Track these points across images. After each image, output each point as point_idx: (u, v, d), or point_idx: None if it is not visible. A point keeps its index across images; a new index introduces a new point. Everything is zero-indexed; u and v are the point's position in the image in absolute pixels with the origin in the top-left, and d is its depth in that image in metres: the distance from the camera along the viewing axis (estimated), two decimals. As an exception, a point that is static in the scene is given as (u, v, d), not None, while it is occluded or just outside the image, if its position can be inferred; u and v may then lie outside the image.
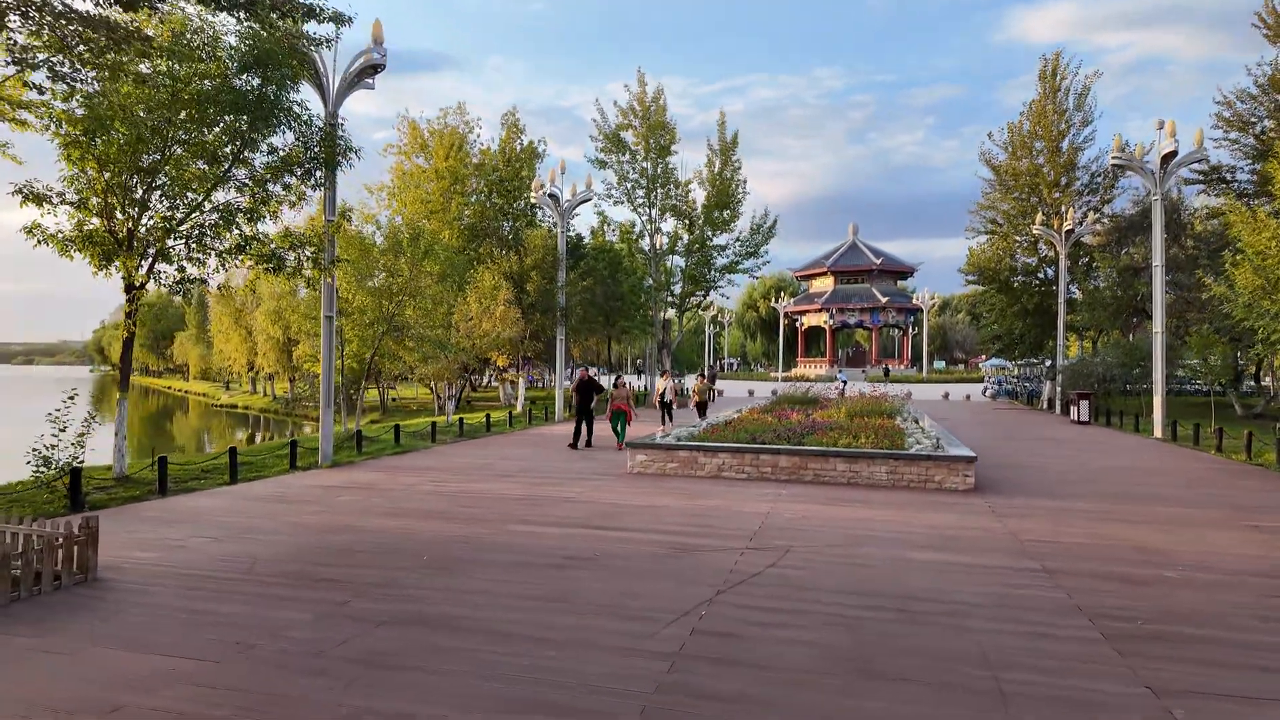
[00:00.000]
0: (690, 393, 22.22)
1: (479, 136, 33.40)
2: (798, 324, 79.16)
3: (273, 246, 13.09)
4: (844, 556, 7.70)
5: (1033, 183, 35.37)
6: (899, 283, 79.06)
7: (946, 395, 43.10)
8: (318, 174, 13.78)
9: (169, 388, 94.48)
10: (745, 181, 33.56)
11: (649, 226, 33.88)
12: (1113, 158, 21.39)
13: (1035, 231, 32.16)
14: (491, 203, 29.70)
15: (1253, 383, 37.04)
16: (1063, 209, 32.41)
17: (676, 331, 35.48)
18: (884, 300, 72.77)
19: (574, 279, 26.22)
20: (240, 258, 12.56)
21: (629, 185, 33.40)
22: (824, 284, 78.60)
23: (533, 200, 24.97)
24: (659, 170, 33.22)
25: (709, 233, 33.65)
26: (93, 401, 50.52)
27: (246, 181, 12.73)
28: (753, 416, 18.68)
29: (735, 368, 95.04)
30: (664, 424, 19.06)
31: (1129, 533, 8.95)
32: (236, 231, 12.29)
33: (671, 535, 8.58)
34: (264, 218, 12.82)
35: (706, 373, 40.76)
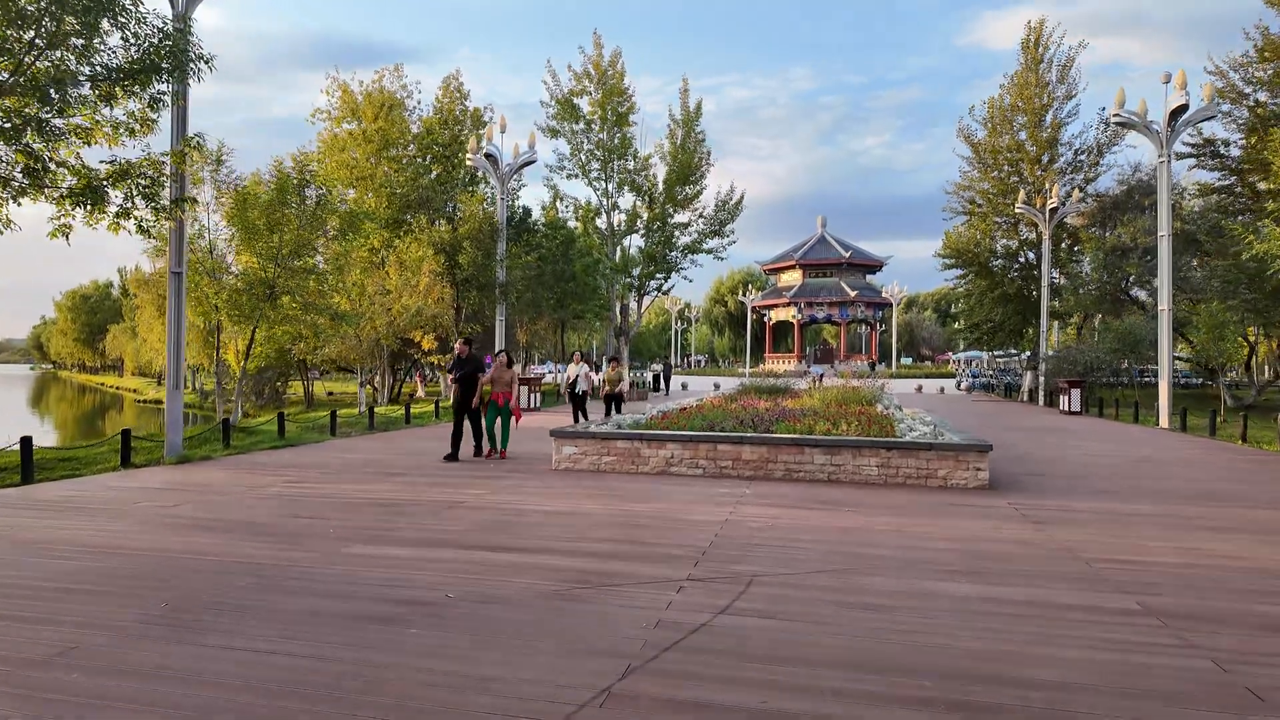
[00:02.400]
0: (600, 383, 16.81)
1: (419, 104, 30.23)
2: (765, 319, 77.00)
3: (92, 175, 10.00)
4: (838, 591, 4.99)
5: (1013, 159, 33.41)
6: (867, 277, 77.30)
7: (920, 388, 41.02)
8: (159, 87, 10.73)
9: (103, 385, 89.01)
10: (710, 154, 30.91)
11: (606, 202, 31.06)
12: (1113, 115, 19.16)
13: (1018, 210, 30.10)
14: (426, 169, 26.56)
15: (1242, 373, 35.47)
16: (1046, 186, 30.42)
17: (635, 317, 32.69)
18: (853, 294, 70.89)
19: (516, 251, 23.31)
20: (33, 190, 9.44)
21: (583, 157, 30.55)
22: (792, 278, 76.50)
23: (468, 162, 21.98)
24: (616, 141, 30.43)
25: (670, 210, 30.94)
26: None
27: (51, 86, 9.62)
28: (714, 404, 16.05)
29: (703, 363, 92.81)
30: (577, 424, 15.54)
31: (1227, 547, 6.40)
32: (20, 148, 9.17)
33: (584, 559, 5.79)
34: (70, 138, 9.72)
35: (657, 363, 37.83)
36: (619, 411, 15.09)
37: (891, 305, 72.06)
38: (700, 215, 30.98)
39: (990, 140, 33.94)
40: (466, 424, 11.71)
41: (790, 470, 9.87)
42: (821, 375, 33.80)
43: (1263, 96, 26.55)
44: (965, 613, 4.55)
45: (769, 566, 5.57)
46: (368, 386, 23.90)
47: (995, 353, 39.01)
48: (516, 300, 24.20)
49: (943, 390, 40.33)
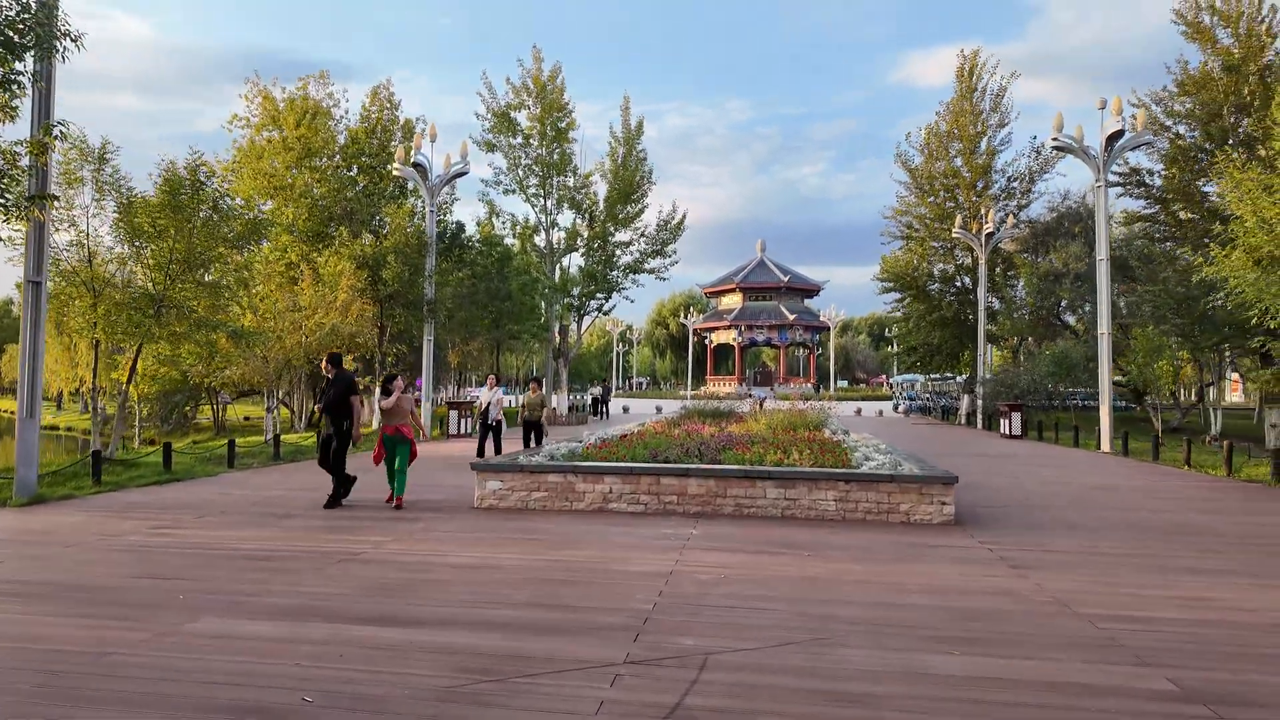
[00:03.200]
0: (521, 409, 14.20)
1: (346, 113, 28.63)
2: (707, 341, 76.87)
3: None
4: (811, 674, 3.98)
5: (949, 185, 33.87)
6: (805, 301, 78.18)
7: (859, 411, 41.02)
8: (18, 66, 9.26)
9: (3, 411, 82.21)
10: (651, 172, 30.23)
11: (545, 219, 29.96)
12: (1053, 139, 19.24)
13: (955, 234, 30.37)
14: (352, 180, 24.98)
15: (1165, 396, 36.53)
16: (982, 212, 30.83)
17: (575, 338, 31.55)
18: (791, 318, 71.43)
19: (447, 268, 21.93)
20: None
21: (520, 172, 29.44)
22: (733, 301, 76.73)
23: (395, 172, 20.60)
24: (556, 157, 29.45)
25: (612, 228, 30.06)
26: None
27: None
28: (656, 430, 15.08)
29: (645, 386, 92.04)
30: (485, 457, 12.75)
31: (1228, 595, 5.70)
32: None
33: (495, 634, 4.65)
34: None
35: (596, 386, 36.59)
36: (539, 442, 13.08)
37: (829, 328, 72.89)
38: (642, 234, 30.20)
39: (927, 166, 34.39)
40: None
41: (741, 506, 8.91)
42: (765, 398, 33.30)
43: (1182, 129, 27.54)
44: (971, 702, 3.60)
45: (725, 638, 4.54)
46: (281, 409, 22.01)
47: (932, 376, 39.33)
48: (448, 319, 22.80)
49: (881, 413, 40.42)
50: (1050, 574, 6.26)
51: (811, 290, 78.07)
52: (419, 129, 26.66)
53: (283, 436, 17.87)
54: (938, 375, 37.89)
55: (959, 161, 33.63)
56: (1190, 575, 6.31)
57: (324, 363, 9.78)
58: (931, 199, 34.17)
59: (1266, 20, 25.29)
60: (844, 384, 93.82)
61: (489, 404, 13.19)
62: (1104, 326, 18.85)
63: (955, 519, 8.58)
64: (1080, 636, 4.66)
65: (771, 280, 75.33)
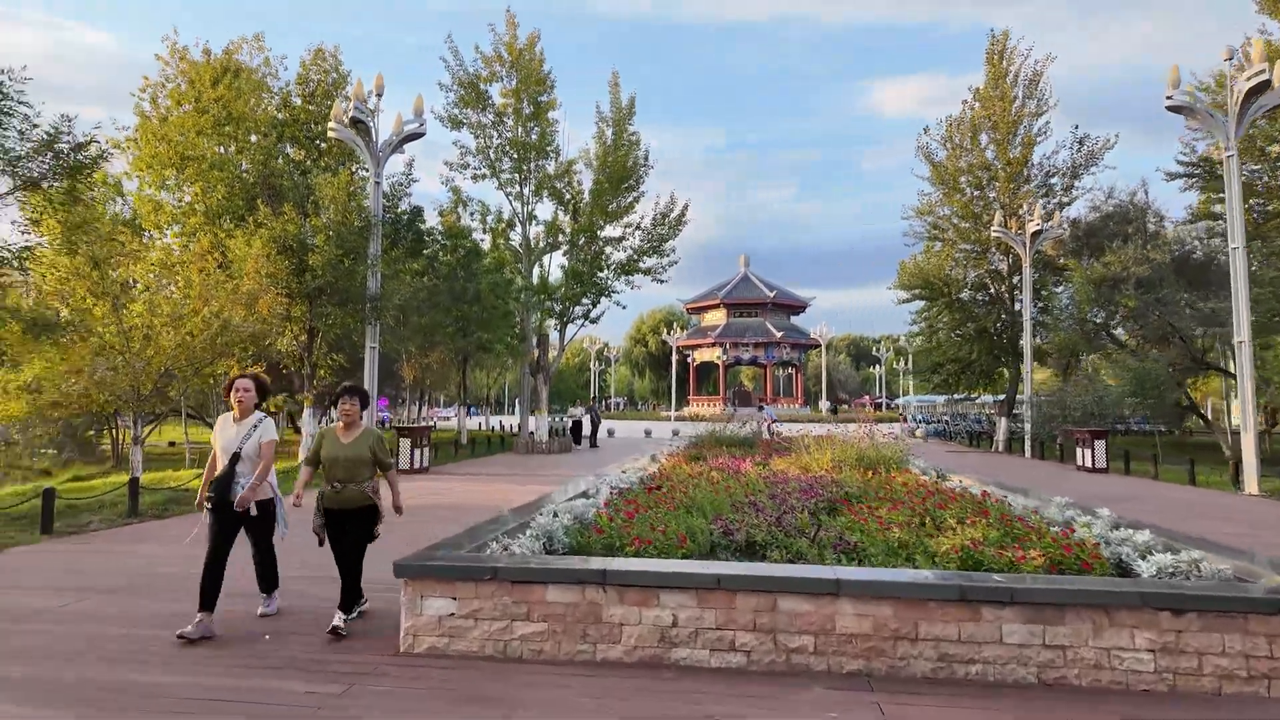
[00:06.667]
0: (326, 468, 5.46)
1: (287, 85, 23.76)
2: (689, 359, 72.53)
3: None
4: None
5: (978, 181, 30.04)
6: (792, 318, 74.39)
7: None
8: None
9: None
10: (647, 155, 25.84)
11: (523, 209, 25.37)
12: (1169, 98, 15.25)
13: (993, 233, 26.46)
14: (284, 153, 20.12)
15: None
16: (1023, 209, 26.98)
17: (556, 351, 26.84)
18: (779, 335, 67.50)
19: (398, 256, 17.19)
20: None
21: (492, 154, 24.88)
22: (716, 317, 72.68)
23: (330, 133, 15.91)
24: (535, 137, 24.97)
25: (600, 221, 25.56)
26: None
27: None
28: (681, 469, 10.63)
29: (622, 406, 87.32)
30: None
31: None
32: None
33: None
34: None
35: (579, 407, 31.70)
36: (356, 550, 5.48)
37: (819, 345, 69.02)
38: (637, 228, 25.71)
39: (952, 160, 30.56)
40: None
41: (947, 658, 4.35)
42: (774, 419, 28.76)
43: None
44: None
45: None
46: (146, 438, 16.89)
47: (950, 396, 35.33)
48: (400, 323, 18.00)
49: (897, 438, 36.18)
50: None
51: (798, 307, 74.33)
52: (368, 89, 22.01)
53: (170, 475, 12.91)
54: (960, 396, 33.86)
55: (991, 153, 29.85)
56: None
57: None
58: (959, 196, 30.29)
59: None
60: (825, 405, 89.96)
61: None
62: (1243, 333, 14.76)
63: None
64: None
65: (757, 296, 71.46)
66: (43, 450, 34.47)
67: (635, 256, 25.47)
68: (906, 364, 73.22)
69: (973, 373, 29.98)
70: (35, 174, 8.90)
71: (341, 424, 5.46)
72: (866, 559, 5.31)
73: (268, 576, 5.57)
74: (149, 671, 4.45)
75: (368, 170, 16.92)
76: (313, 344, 16.74)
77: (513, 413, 71.28)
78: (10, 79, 8.49)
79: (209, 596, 5.08)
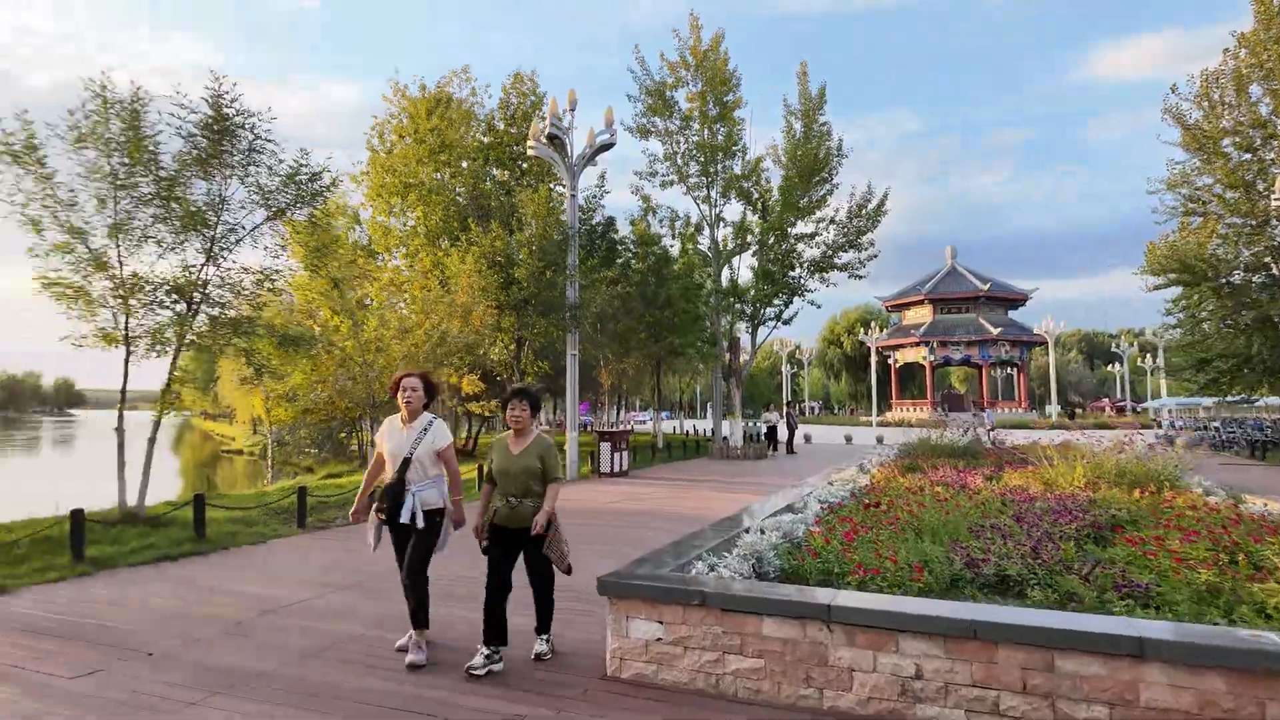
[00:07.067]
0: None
1: (491, 114, 25.57)
2: (890, 360, 68.26)
3: None
4: None
5: (1248, 143, 25.05)
6: (1009, 313, 67.30)
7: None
8: None
9: (214, 433, 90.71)
10: (840, 145, 24.45)
11: (710, 213, 25.12)
12: None
13: (1275, 203, 21.83)
14: (490, 175, 21.60)
15: None
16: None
17: (748, 355, 26.25)
18: (995, 331, 61.41)
19: (594, 265, 17.64)
20: None
21: (679, 159, 24.87)
22: (920, 314, 67.76)
23: (529, 150, 16.68)
24: (721, 138, 24.62)
25: (790, 219, 24.60)
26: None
27: None
28: (896, 481, 9.59)
29: (818, 410, 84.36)
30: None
31: None
32: None
33: None
34: None
35: (773, 412, 30.35)
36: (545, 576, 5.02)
37: (1045, 343, 61.78)
38: (831, 222, 24.41)
39: (1212, 121, 25.76)
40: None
41: (1315, 757, 3.21)
42: (991, 426, 25.91)
43: None
44: None
45: None
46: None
47: (1225, 399, 29.74)
48: (597, 330, 18.42)
49: (1152, 446, 31.18)
50: None
51: (1017, 300, 67.16)
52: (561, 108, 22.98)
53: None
54: (1234, 398, 28.38)
55: (1265, 108, 24.78)
56: None
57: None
58: (1222, 161, 25.46)
59: None
60: (1054, 409, 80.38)
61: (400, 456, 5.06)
62: None
63: None
64: None
65: (967, 289, 65.62)
66: (307, 450, 39.76)
67: (830, 252, 24.18)
68: (1156, 361, 63.31)
69: (1252, 370, 24.97)
70: (282, 204, 10.06)
71: (512, 433, 4.86)
72: (1166, 608, 4.19)
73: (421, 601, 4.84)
74: (372, 678, 4.53)
75: (564, 186, 17.61)
76: (520, 352, 17.66)
77: (705, 417, 71.54)
78: (259, 120, 9.63)
79: (419, 616, 4.79)
